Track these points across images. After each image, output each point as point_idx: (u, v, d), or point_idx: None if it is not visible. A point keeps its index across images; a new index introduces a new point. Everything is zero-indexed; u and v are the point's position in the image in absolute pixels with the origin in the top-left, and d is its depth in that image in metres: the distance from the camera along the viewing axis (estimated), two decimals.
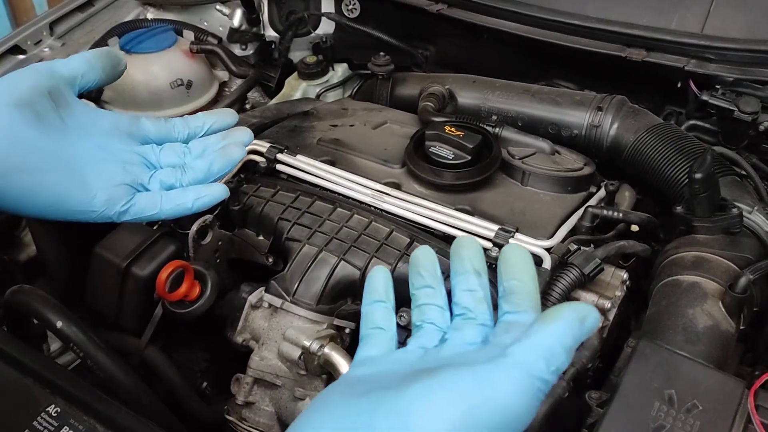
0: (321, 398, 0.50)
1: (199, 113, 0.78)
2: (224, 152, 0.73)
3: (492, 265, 0.64)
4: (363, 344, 0.56)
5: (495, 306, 0.53)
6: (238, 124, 0.79)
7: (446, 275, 0.56)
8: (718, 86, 1.09)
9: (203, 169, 0.72)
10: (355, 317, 0.83)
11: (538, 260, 0.86)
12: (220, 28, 1.50)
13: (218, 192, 0.72)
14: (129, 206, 0.69)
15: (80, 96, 0.74)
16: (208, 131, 0.76)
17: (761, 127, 1.05)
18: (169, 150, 0.74)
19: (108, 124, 0.72)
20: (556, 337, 0.45)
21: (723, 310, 0.80)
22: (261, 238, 0.95)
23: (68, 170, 0.67)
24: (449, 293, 0.55)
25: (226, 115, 0.78)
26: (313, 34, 1.53)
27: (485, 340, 0.51)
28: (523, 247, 0.54)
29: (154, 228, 0.90)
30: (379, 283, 0.58)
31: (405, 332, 0.64)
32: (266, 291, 0.85)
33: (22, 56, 1.31)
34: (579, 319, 0.46)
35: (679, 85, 1.15)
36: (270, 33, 1.54)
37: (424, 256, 0.57)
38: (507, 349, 0.45)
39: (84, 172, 0.68)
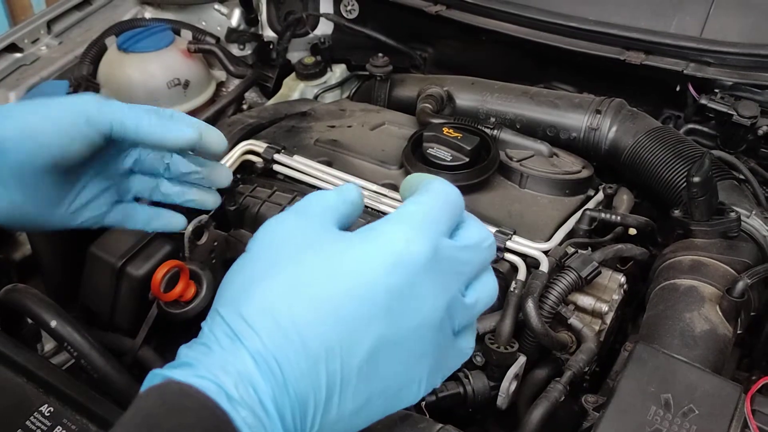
0: None
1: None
2: (201, 196, 0.74)
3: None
4: None
5: None
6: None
7: None
8: (716, 90, 1.09)
9: (176, 202, 0.74)
10: None
11: (535, 263, 0.85)
12: (218, 28, 1.50)
13: (176, 225, 0.76)
14: (102, 221, 0.71)
15: None
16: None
17: (760, 132, 1.05)
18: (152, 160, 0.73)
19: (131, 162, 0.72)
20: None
21: (720, 314, 0.80)
22: None
23: (78, 211, 0.68)
24: None
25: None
26: (311, 35, 1.52)
27: None
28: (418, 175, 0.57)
29: None
30: None
31: None
32: None
33: (19, 54, 1.31)
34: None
35: (677, 88, 1.15)
36: (268, 33, 1.54)
37: None
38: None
39: (87, 210, 0.68)
